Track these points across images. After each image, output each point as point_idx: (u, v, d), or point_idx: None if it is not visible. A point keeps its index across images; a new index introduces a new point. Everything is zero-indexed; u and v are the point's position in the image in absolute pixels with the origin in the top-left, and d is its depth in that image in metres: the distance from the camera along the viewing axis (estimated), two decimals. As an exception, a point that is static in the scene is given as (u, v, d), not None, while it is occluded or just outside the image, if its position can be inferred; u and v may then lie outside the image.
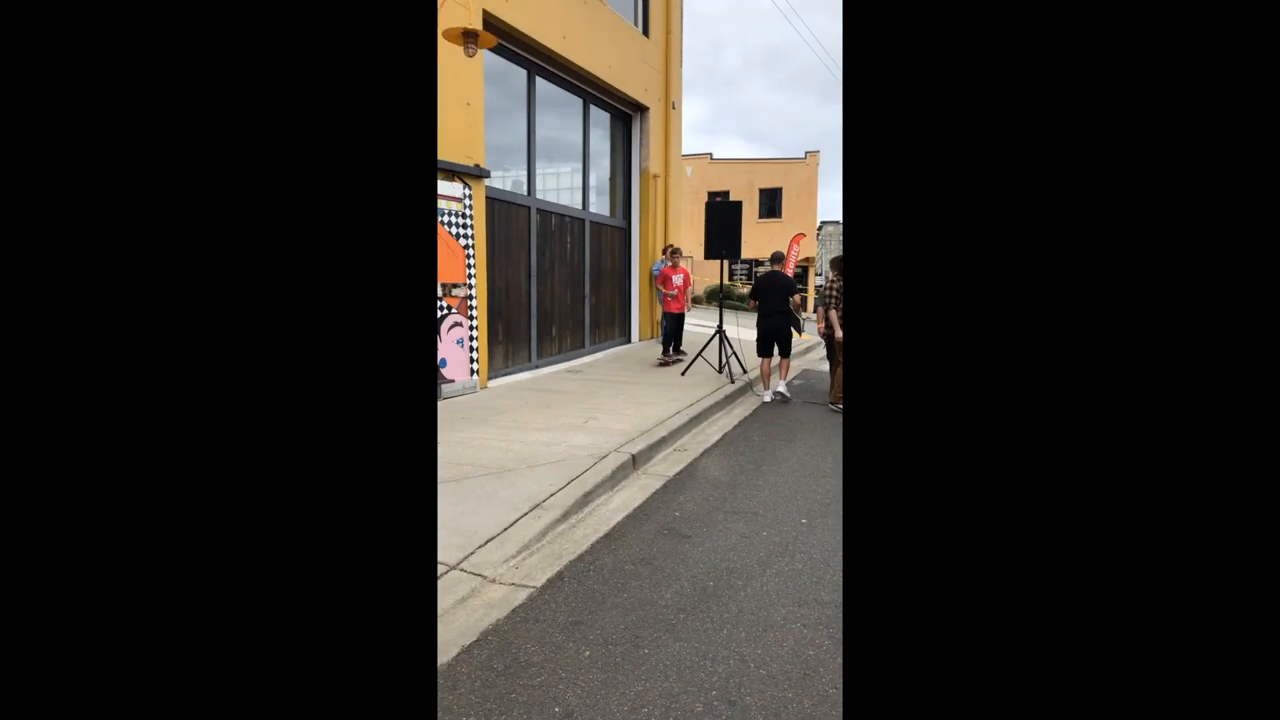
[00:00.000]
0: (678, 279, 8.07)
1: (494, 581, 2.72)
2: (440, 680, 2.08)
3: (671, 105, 10.13)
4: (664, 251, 9.65)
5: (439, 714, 1.92)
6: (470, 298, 6.28)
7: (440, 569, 2.76)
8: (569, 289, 8.32)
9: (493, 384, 6.65)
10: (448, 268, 6.02)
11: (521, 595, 2.62)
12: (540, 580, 2.74)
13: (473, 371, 6.31)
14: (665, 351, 8.06)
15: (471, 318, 6.30)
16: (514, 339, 7.31)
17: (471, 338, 6.29)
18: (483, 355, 6.44)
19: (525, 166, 7.55)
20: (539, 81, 7.61)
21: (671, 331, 8.12)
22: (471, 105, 6.22)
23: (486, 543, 3.00)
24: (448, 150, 5.94)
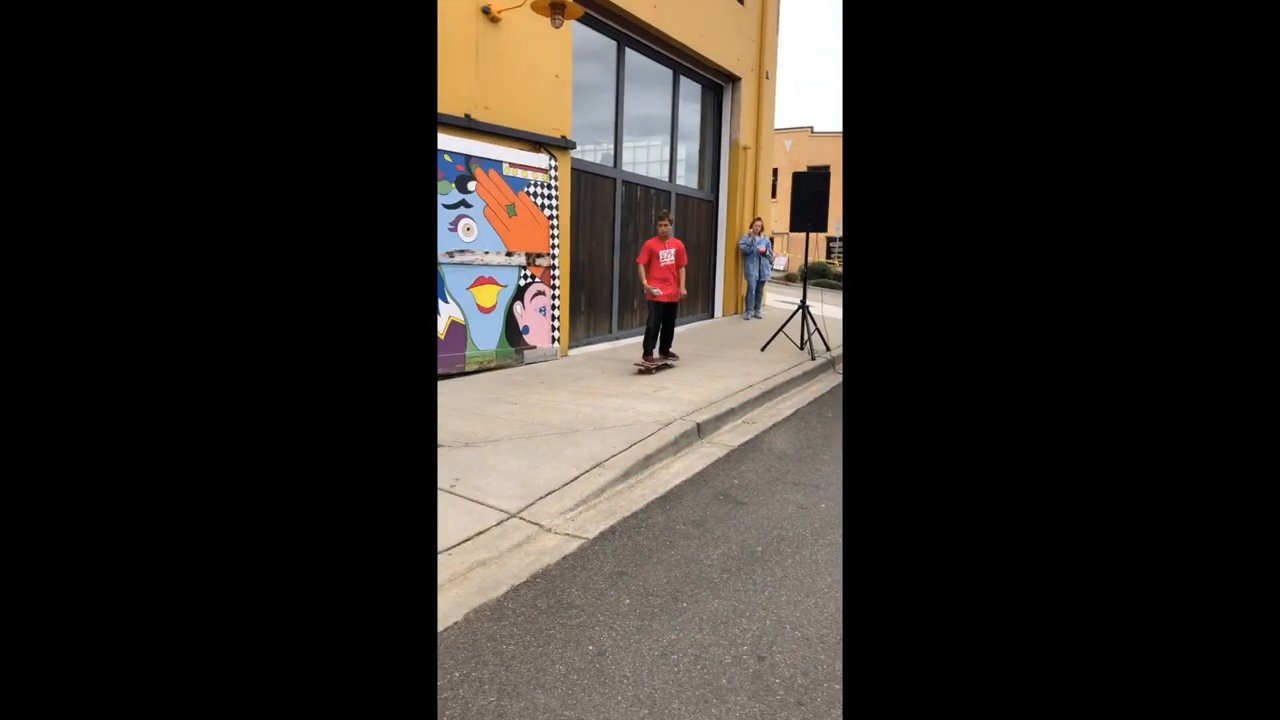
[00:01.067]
0: (668, 255, 5.91)
1: (549, 530, 2.85)
2: (488, 612, 2.23)
3: (765, 75, 9.87)
4: (751, 226, 9.49)
5: (484, 641, 2.06)
6: (553, 267, 6.46)
7: (501, 515, 2.92)
8: (652, 262, 8.36)
9: (573, 352, 6.84)
10: (531, 237, 6.21)
11: (573, 545, 2.73)
12: (593, 533, 2.84)
13: (554, 339, 6.51)
14: (647, 354, 5.87)
15: (554, 287, 6.48)
16: (596, 309, 7.46)
17: (554, 306, 6.49)
18: (564, 324, 6.63)
19: (613, 138, 7.63)
20: (629, 53, 7.62)
21: (655, 326, 5.89)
22: (559, 77, 6.33)
23: (546, 495, 3.14)
24: (533, 122, 6.10)
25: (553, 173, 6.36)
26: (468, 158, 5.56)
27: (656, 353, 6.07)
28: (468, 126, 5.50)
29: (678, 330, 8.75)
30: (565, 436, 3.91)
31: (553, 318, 6.49)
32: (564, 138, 6.41)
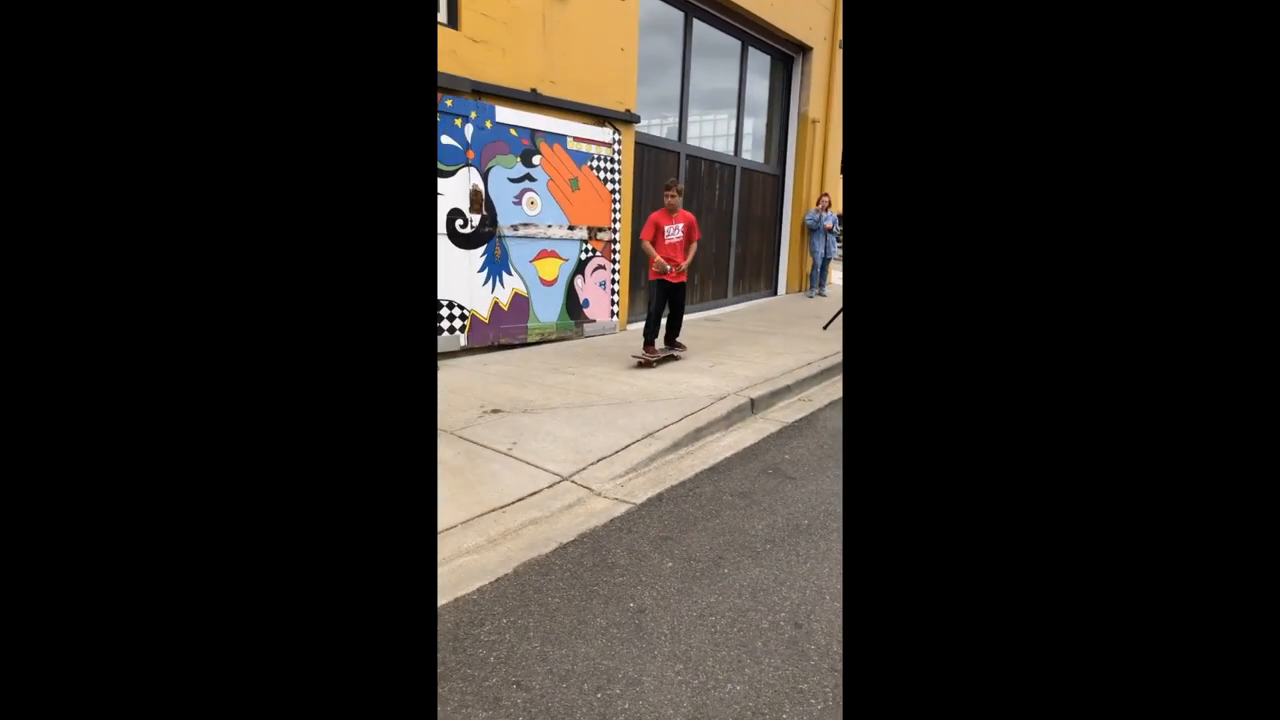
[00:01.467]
0: (674, 231, 5.10)
1: (598, 495, 2.95)
2: (536, 567, 2.34)
3: (838, 45, 9.54)
4: (818, 201, 9.27)
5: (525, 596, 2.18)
6: (614, 242, 6.52)
7: (553, 478, 3.03)
8: (714, 237, 8.31)
9: (632, 327, 6.91)
10: (594, 211, 6.28)
11: (621, 509, 2.81)
12: (640, 499, 2.92)
13: (613, 313, 6.59)
14: (648, 344, 5.12)
15: (614, 261, 6.55)
16: (656, 284, 7.48)
17: (614, 281, 6.56)
18: (624, 299, 6.70)
19: (678, 112, 7.57)
20: (696, 24, 7.52)
21: (658, 312, 5.15)
22: (625, 50, 6.33)
23: (598, 461, 3.23)
24: (599, 96, 6.13)
25: (616, 147, 6.38)
26: (533, 132, 5.66)
27: (661, 342, 5.29)
28: (534, 101, 5.58)
29: (742, 307, 8.61)
30: (619, 407, 4.00)
31: (612, 292, 6.57)
32: (628, 111, 6.42)
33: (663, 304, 5.23)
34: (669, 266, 5.12)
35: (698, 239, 5.37)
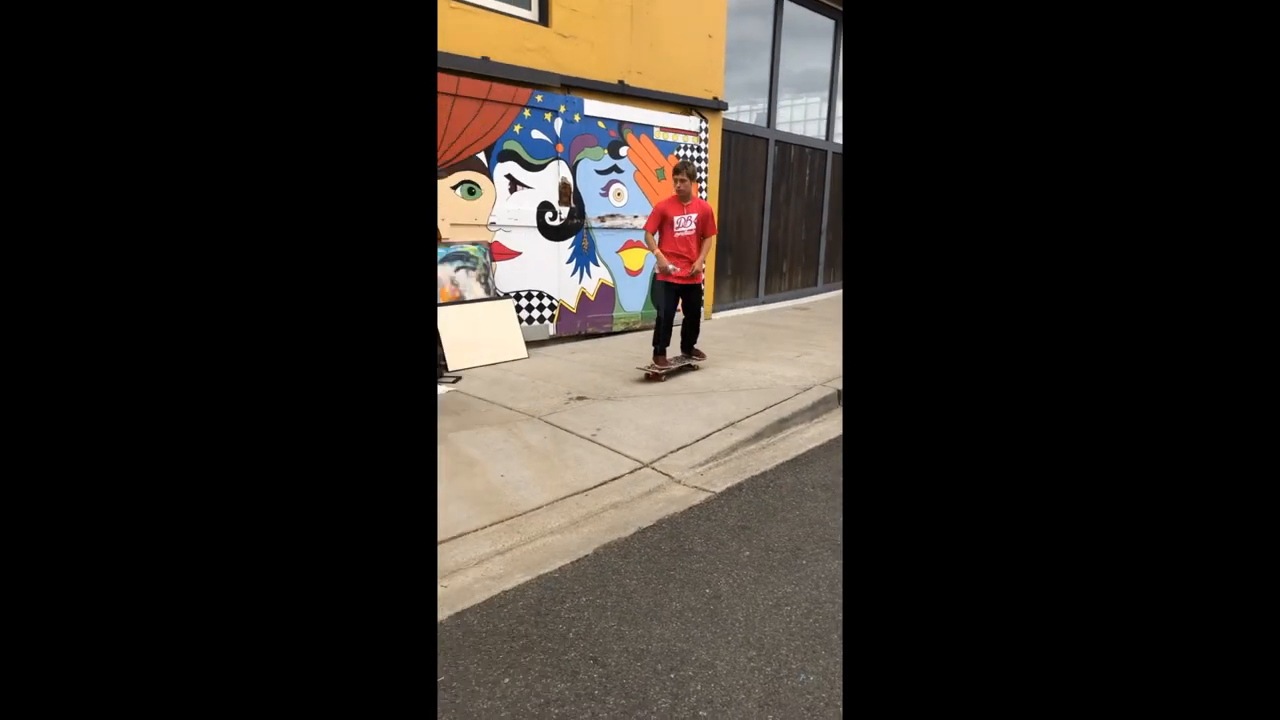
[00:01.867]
0: (685, 222, 4.28)
1: (678, 482, 2.99)
2: (616, 549, 2.42)
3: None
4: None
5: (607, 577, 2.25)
6: (700, 230, 6.51)
7: (634, 465, 3.10)
8: (804, 224, 8.12)
9: (716, 316, 6.88)
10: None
11: (700, 497, 2.84)
12: (720, 488, 2.94)
13: (698, 302, 6.60)
14: (659, 353, 4.35)
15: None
16: (742, 273, 7.42)
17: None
18: (709, 287, 6.68)
19: (767, 97, 7.43)
20: (786, 6, 7.34)
21: (668, 316, 4.33)
22: (713, 37, 6.27)
23: (678, 449, 3.27)
24: (685, 84, 6.12)
25: (703, 135, 6.36)
26: (620, 123, 5.73)
27: (678, 350, 4.56)
28: (621, 92, 5.65)
29: (832, 296, 8.35)
30: (701, 396, 4.01)
31: (698, 281, 6.57)
32: (715, 99, 6.37)
33: (673, 306, 4.39)
34: (671, 266, 4.27)
35: (714, 235, 4.44)
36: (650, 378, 4.31)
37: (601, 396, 4.00)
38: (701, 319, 4.70)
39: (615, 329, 5.93)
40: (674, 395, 4.02)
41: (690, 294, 4.46)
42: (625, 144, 5.80)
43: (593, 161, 5.58)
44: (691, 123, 6.24)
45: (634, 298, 6.08)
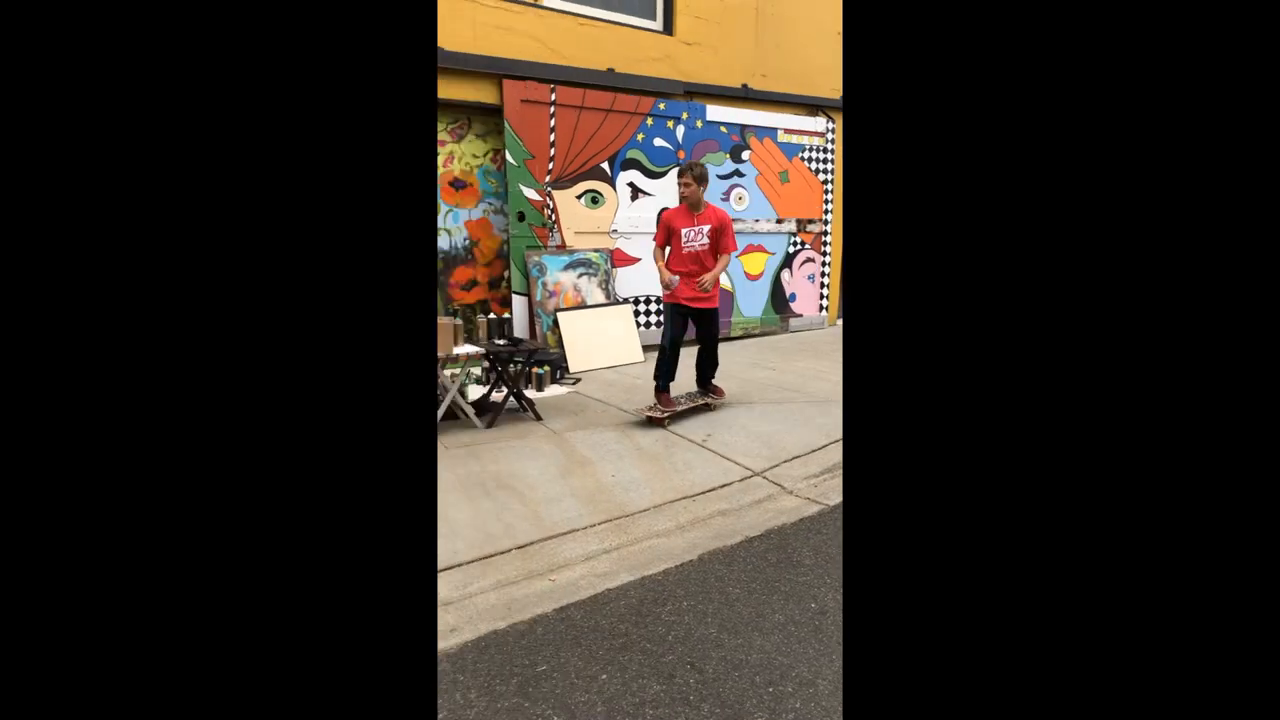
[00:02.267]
0: (694, 236, 3.53)
1: (790, 493, 2.91)
2: (720, 556, 2.40)
3: None
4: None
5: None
6: (825, 234, 6.31)
7: (745, 473, 3.06)
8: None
9: (841, 321, 6.64)
10: (803, 203, 6.13)
11: (812, 509, 2.76)
12: (833, 501, 2.83)
13: (821, 307, 6.39)
14: (661, 391, 3.62)
15: (825, 254, 6.34)
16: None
17: (823, 274, 6.35)
18: (834, 293, 6.46)
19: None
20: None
21: (672, 345, 3.59)
22: (841, 34, 6.07)
23: (791, 459, 3.19)
24: (812, 84, 5.96)
25: (829, 135, 6.16)
26: (743, 127, 5.69)
27: (695, 387, 3.82)
28: (744, 96, 5.61)
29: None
30: (819, 405, 3.89)
31: (821, 285, 6.37)
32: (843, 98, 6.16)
33: (680, 334, 3.60)
34: (674, 278, 3.55)
35: (733, 250, 3.60)
36: (651, 421, 3.54)
37: (716, 402, 3.98)
38: (719, 350, 3.84)
39: (734, 334, 5.88)
40: (791, 404, 3.92)
41: (703, 319, 3.65)
42: (747, 147, 5.75)
43: (714, 167, 5.58)
44: (817, 123, 6.07)
45: (754, 303, 6.00)
